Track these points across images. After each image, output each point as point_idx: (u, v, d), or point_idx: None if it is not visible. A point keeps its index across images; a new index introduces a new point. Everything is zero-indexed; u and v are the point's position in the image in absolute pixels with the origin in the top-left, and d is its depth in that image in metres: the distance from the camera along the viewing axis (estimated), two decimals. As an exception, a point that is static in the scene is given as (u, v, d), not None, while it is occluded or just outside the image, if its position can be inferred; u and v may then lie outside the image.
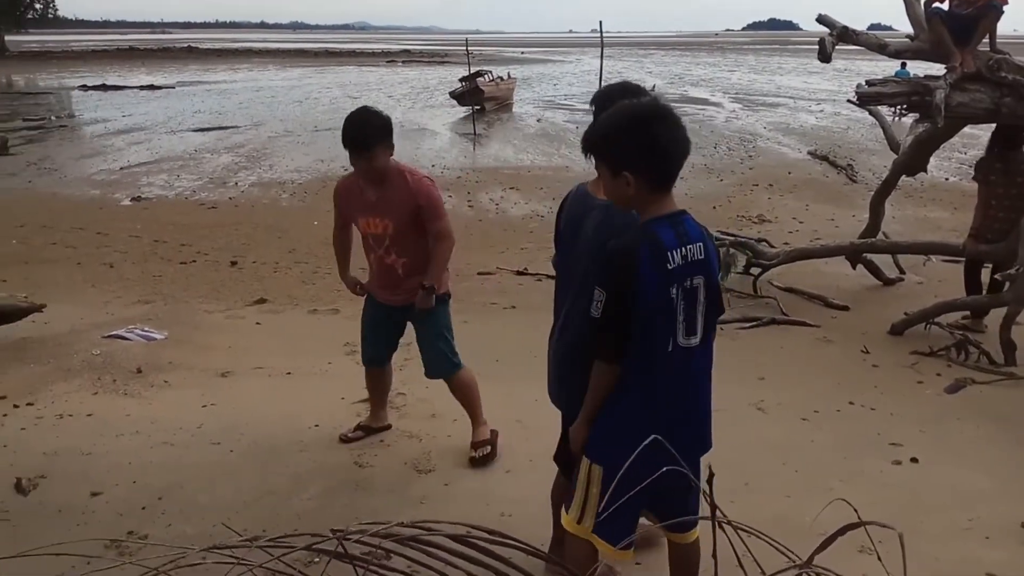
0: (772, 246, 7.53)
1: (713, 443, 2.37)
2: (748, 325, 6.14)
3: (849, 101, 6.04)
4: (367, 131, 3.45)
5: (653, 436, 2.10)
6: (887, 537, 1.84)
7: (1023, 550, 3.08)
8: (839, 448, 4.02)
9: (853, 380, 5.06)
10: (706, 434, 2.31)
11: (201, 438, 4.02)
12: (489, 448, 3.85)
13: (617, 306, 2.05)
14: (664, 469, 1.93)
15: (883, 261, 7.41)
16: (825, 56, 5.56)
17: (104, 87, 35.46)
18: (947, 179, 13.52)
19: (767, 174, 14.08)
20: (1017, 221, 5.35)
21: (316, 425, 4.20)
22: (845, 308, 6.60)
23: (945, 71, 5.18)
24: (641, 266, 2.02)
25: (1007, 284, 5.37)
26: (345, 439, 4.00)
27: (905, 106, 5.28)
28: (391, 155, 3.56)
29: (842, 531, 1.91)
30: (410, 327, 3.89)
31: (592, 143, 2.17)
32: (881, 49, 5.82)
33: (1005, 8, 5.09)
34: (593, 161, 2.22)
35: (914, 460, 3.87)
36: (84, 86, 36.05)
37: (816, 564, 1.96)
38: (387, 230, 3.60)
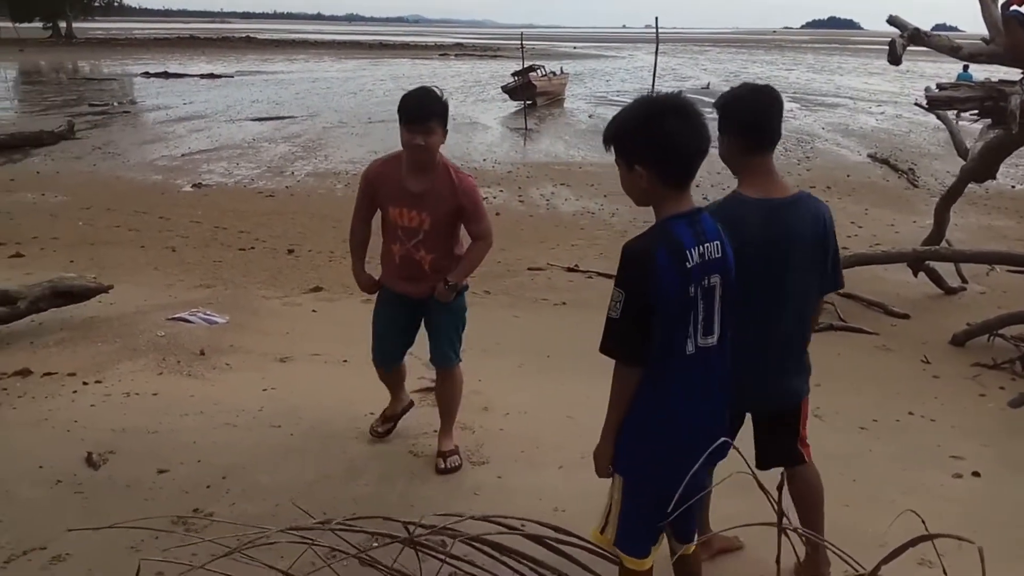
0: (830, 250, 7.38)
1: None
2: (804, 330, 6.05)
3: (917, 104, 5.90)
4: (430, 104, 3.31)
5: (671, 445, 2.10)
6: (948, 551, 1.83)
7: (1092, 572, 2.99)
8: (898, 459, 3.95)
9: (913, 390, 4.96)
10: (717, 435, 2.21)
11: (262, 420, 4.12)
12: (459, 460, 3.67)
13: (636, 306, 2.00)
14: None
15: (945, 270, 7.23)
16: (896, 58, 5.44)
17: (166, 75, 36.45)
18: (1013, 187, 13.10)
19: (825, 176, 13.81)
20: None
21: (371, 413, 4.25)
22: (905, 316, 6.46)
23: (1022, 76, 5.02)
24: (660, 266, 1.97)
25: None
26: (376, 434, 3.93)
27: (977, 111, 5.14)
28: (443, 143, 3.41)
29: (913, 542, 1.88)
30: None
31: (608, 136, 2.10)
32: (954, 52, 5.66)
33: (1089, 11, 4.92)
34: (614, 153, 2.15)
35: (976, 474, 3.78)
36: (146, 73, 37.10)
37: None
38: (423, 224, 3.44)
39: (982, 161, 6.01)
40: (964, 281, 7.26)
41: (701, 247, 2.02)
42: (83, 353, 5.09)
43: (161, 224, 9.76)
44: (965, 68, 17.61)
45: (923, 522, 2.10)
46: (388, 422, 3.99)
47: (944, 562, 2.10)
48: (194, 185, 12.59)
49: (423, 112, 3.29)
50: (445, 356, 3.67)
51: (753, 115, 2.48)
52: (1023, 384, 5.04)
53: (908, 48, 5.70)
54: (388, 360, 3.81)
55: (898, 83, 35.98)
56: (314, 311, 6.51)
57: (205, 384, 4.69)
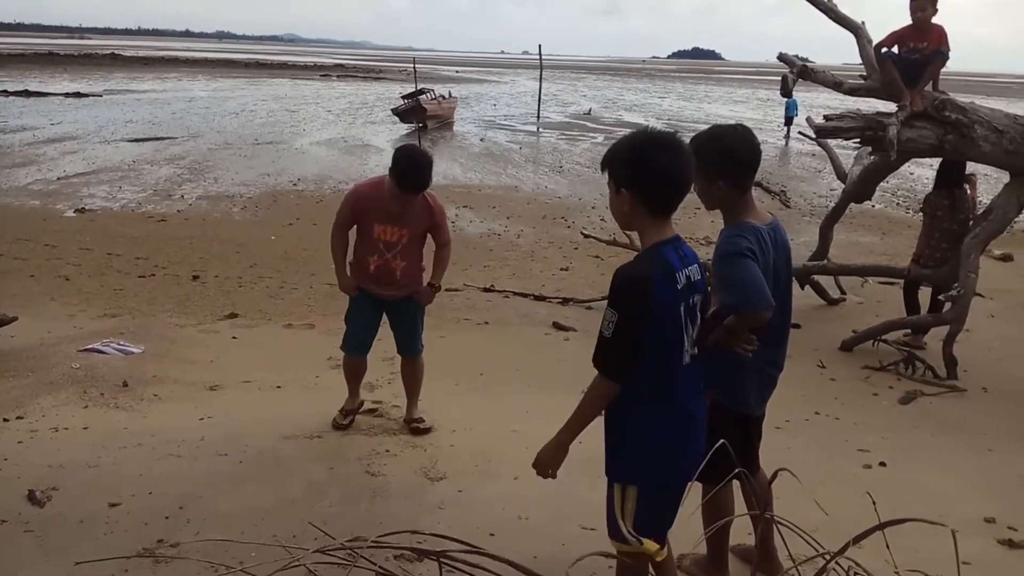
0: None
1: None
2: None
3: (801, 134, 6.48)
4: (429, 174, 4.00)
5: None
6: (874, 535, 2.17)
7: (991, 541, 3.44)
8: (814, 454, 4.34)
9: (815, 392, 5.43)
10: (704, 437, 2.44)
11: (206, 450, 4.06)
12: (425, 422, 4.40)
13: (629, 327, 2.16)
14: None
15: (825, 282, 7.89)
16: (787, 91, 5.99)
17: (27, 93, 34.05)
18: (873, 206, 14.34)
19: (708, 198, 14.65)
20: (957, 250, 5.85)
21: (319, 436, 4.29)
22: (796, 326, 7.00)
23: (896, 109, 5.66)
24: (657, 289, 2.16)
25: (946, 304, 5.87)
26: (341, 426, 4.37)
27: (860, 139, 5.74)
28: None
29: (881, 526, 2.18)
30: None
31: (605, 160, 2.29)
32: (836, 87, 6.29)
33: (950, 54, 5.62)
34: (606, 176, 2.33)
35: (883, 464, 4.23)
36: (4, 91, 34.51)
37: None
38: (402, 239, 4.15)
39: (862, 183, 6.68)
40: (843, 293, 7.95)
41: (686, 270, 2.26)
42: (-6, 389, 4.81)
43: (48, 252, 9.22)
44: (790, 95, 19.30)
45: (874, 505, 2.43)
46: (349, 415, 4.43)
47: (870, 542, 2.43)
48: (77, 210, 11.93)
49: (426, 183, 4.02)
50: (415, 347, 4.42)
51: (751, 154, 2.69)
52: (909, 384, 5.62)
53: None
54: (361, 347, 4.38)
55: (761, 111, 38.56)
56: (234, 338, 6.37)
57: (137, 416, 4.55)
